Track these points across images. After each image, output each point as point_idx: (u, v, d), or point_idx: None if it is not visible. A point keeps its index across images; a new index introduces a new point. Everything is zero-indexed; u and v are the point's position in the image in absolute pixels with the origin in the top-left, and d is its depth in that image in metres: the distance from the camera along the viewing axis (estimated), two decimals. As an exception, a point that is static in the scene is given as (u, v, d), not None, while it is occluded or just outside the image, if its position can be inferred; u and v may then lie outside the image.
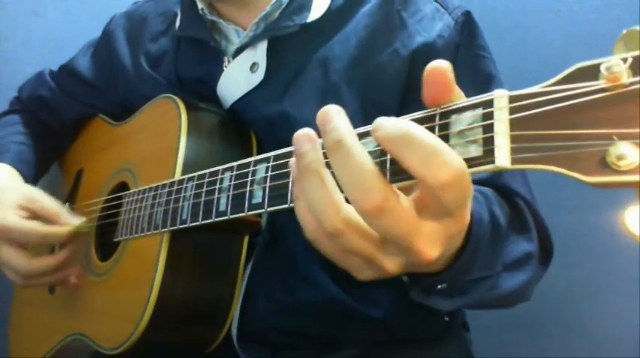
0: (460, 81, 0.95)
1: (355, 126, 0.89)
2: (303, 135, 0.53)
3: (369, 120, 0.90)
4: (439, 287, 0.69)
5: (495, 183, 0.84)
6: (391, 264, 0.54)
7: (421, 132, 0.46)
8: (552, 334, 1.37)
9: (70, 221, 1.03)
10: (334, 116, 0.52)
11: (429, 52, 0.91)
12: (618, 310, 1.29)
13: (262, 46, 0.98)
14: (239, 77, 0.99)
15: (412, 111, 0.88)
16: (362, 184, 0.48)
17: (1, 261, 1.02)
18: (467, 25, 0.95)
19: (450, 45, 0.92)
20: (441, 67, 0.50)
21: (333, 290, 0.94)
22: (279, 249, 0.96)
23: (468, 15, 0.96)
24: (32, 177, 1.20)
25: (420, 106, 0.91)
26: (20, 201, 1.02)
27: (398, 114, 0.89)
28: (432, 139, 0.46)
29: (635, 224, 0.39)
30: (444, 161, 0.45)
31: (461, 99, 0.51)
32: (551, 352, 1.37)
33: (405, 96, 0.92)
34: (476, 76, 0.93)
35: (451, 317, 1.04)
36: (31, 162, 1.22)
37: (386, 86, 0.92)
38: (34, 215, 1.03)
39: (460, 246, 0.62)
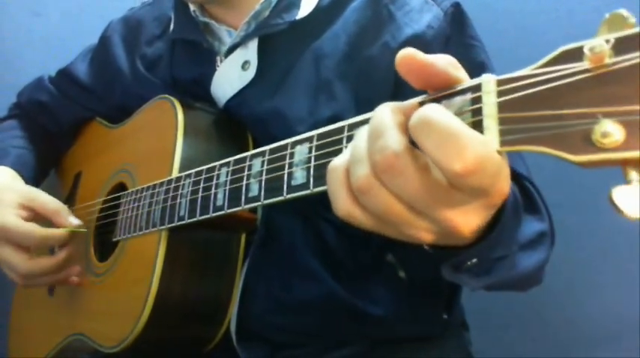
0: None
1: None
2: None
3: (362, 113, 0.90)
4: (469, 263, 0.67)
5: None
6: (424, 231, 0.50)
7: (440, 115, 0.44)
8: (552, 333, 1.36)
9: (70, 219, 1.04)
10: None
11: (418, 43, 0.91)
12: (618, 309, 1.28)
13: (253, 45, 0.99)
14: (231, 75, 1.00)
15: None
16: (374, 133, 0.47)
17: (1, 261, 1.03)
18: (456, 16, 0.95)
19: (440, 36, 0.93)
20: (406, 55, 0.48)
21: (332, 285, 0.94)
22: (275, 245, 0.97)
23: (457, 6, 0.96)
24: (33, 180, 1.21)
25: (411, 97, 0.91)
26: (20, 201, 1.03)
27: None
28: (450, 123, 0.43)
29: (623, 202, 0.39)
30: (460, 148, 0.43)
31: (460, 80, 0.50)
32: (552, 351, 1.36)
33: (397, 89, 0.92)
34: (468, 65, 0.93)
35: (450, 316, 1.04)
36: (31, 165, 1.23)
37: (378, 80, 0.93)
38: (35, 214, 1.04)
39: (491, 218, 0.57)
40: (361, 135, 0.49)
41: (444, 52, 0.90)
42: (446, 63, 0.49)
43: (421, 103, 0.50)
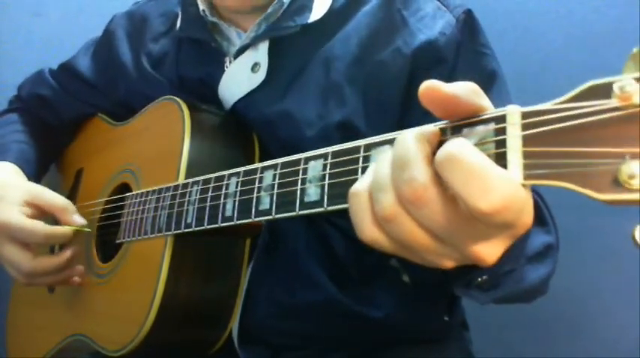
0: (463, 78, 0.95)
1: (358, 124, 0.91)
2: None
3: (372, 119, 0.91)
4: (479, 279, 0.68)
5: None
6: (446, 259, 0.51)
7: (467, 152, 0.44)
8: (552, 333, 1.37)
9: (75, 218, 1.03)
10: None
11: (431, 49, 0.92)
12: (619, 310, 1.29)
13: (264, 47, 0.98)
14: (241, 77, 0.99)
15: (415, 111, 0.90)
16: (399, 163, 0.47)
17: (4, 259, 1.02)
18: (468, 23, 0.95)
19: (452, 42, 0.93)
20: (429, 86, 0.48)
21: (333, 291, 0.94)
22: (279, 251, 0.97)
23: (469, 13, 0.96)
24: (34, 175, 1.19)
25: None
26: (25, 198, 1.02)
27: (401, 113, 0.91)
28: (478, 162, 0.44)
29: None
30: (487, 188, 0.43)
31: (483, 109, 0.49)
32: (552, 352, 1.37)
33: (408, 95, 0.92)
34: (478, 73, 0.93)
35: (451, 317, 1.04)
36: (32, 161, 1.21)
37: (388, 84, 0.92)
38: (40, 211, 1.03)
39: None
40: (384, 160, 0.49)
41: (455, 58, 0.92)
42: (469, 92, 0.49)
43: (442, 129, 0.50)
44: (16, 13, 1.51)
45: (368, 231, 0.50)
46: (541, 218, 0.86)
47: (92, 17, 1.37)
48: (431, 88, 0.48)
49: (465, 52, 0.93)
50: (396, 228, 0.48)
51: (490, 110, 0.49)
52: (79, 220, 1.03)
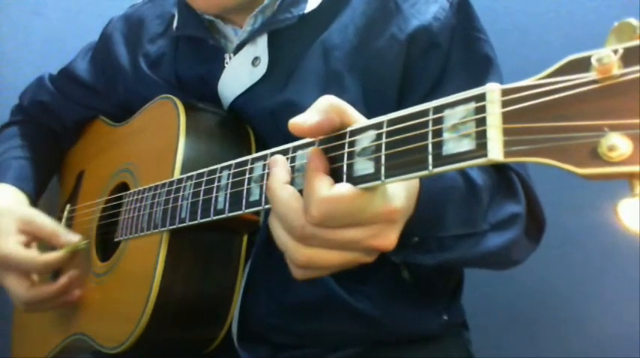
0: (457, 63, 0.95)
1: (358, 111, 0.91)
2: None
3: (371, 107, 0.91)
4: (413, 241, 0.75)
5: None
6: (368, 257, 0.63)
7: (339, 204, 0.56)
8: (552, 333, 1.36)
9: (68, 238, 1.04)
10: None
11: (425, 34, 0.92)
12: (618, 309, 1.28)
13: (263, 40, 0.98)
14: (241, 72, 0.99)
15: (412, 96, 0.91)
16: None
17: (7, 289, 1.04)
18: (462, 7, 0.95)
19: (446, 27, 0.93)
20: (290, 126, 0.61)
21: (333, 288, 0.94)
22: (278, 248, 0.96)
23: None
24: (35, 192, 1.21)
25: (419, 91, 0.91)
26: (19, 226, 1.04)
27: (399, 99, 0.91)
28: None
29: (628, 216, 0.39)
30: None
31: (349, 124, 0.61)
32: (551, 351, 1.36)
33: (404, 81, 0.93)
34: (472, 57, 0.94)
35: (450, 316, 1.04)
36: (32, 176, 1.22)
37: (385, 72, 0.93)
38: (34, 237, 1.05)
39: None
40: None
41: (450, 43, 0.92)
42: (328, 117, 0.61)
43: (424, 111, 0.51)
44: (15, 13, 1.52)
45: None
46: (512, 190, 0.89)
47: (91, 17, 1.38)
48: (293, 128, 0.61)
49: (459, 37, 0.93)
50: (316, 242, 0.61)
51: (359, 120, 0.61)
52: (72, 239, 1.04)
